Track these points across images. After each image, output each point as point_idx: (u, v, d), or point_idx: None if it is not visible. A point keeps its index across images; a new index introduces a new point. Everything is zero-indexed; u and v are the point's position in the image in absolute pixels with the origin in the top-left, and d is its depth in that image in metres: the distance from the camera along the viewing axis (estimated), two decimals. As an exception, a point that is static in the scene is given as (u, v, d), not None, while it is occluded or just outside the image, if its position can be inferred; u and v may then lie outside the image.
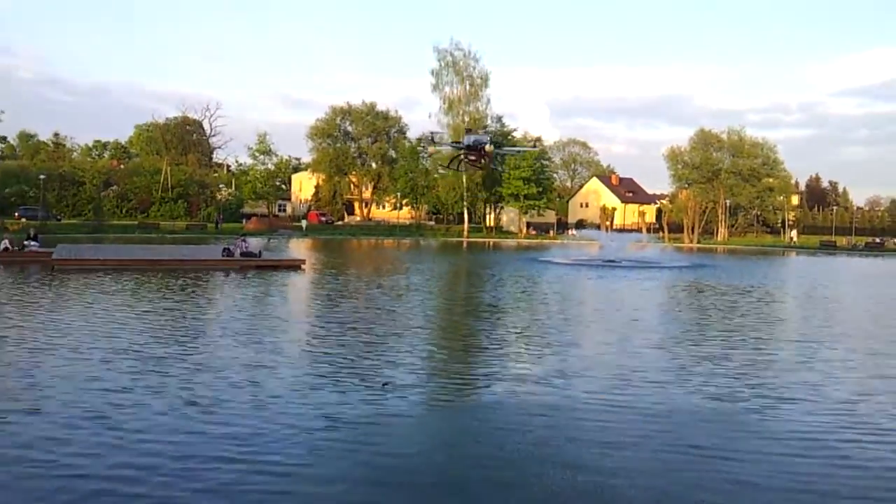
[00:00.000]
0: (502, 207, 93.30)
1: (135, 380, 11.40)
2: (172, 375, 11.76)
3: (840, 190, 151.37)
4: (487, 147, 27.76)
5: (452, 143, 28.40)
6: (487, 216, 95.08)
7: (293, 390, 11.09)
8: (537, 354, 14.80)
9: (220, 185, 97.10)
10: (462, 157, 28.80)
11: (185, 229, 70.98)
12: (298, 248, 52.73)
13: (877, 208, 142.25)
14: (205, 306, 20.52)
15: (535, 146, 28.80)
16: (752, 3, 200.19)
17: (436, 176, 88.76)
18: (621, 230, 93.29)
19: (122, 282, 25.57)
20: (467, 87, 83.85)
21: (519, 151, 29.07)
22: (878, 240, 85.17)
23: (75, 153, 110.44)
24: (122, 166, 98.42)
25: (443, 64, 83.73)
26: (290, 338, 15.82)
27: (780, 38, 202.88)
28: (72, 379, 11.36)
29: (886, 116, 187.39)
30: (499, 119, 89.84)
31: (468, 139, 27.68)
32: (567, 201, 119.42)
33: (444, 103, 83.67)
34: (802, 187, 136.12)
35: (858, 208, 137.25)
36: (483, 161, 28.88)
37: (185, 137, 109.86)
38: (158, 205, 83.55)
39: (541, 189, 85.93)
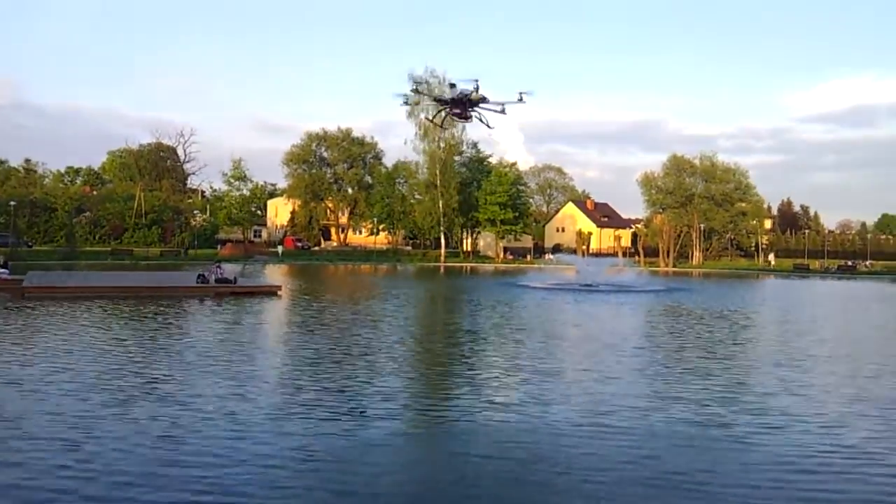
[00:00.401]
0: (479, 232, 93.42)
1: (102, 412, 11.08)
2: (141, 407, 11.45)
3: (812, 214, 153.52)
4: (473, 95, 27.21)
5: (436, 98, 27.77)
6: (464, 241, 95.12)
7: (266, 421, 10.84)
8: (516, 381, 14.65)
9: (195, 211, 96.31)
10: (448, 111, 28.20)
11: (159, 255, 70.27)
12: (274, 274, 52.28)
13: (847, 232, 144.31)
14: (177, 335, 20.15)
15: (521, 100, 28.17)
16: (720, 32, 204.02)
17: (412, 201, 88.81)
18: (598, 254, 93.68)
19: (93, 310, 25.10)
20: (443, 114, 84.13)
21: (503, 105, 28.36)
22: (849, 263, 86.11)
23: (47, 179, 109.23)
24: (94, 192, 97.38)
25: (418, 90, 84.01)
26: (264, 367, 15.55)
27: (749, 66, 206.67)
28: (35, 411, 11.02)
29: (853, 142, 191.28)
30: (474, 145, 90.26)
31: (453, 93, 27.18)
32: (543, 226, 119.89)
33: (420, 129, 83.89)
34: (775, 211, 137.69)
35: (830, 232, 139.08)
36: (468, 113, 28.30)
37: (158, 163, 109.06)
38: (132, 231, 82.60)
39: (517, 214, 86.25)
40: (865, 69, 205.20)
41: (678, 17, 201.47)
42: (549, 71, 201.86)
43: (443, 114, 28.07)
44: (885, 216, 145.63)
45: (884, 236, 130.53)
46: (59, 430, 9.99)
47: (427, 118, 27.01)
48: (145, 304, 27.32)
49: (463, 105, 27.21)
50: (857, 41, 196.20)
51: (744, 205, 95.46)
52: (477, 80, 26.99)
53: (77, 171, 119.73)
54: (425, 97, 26.98)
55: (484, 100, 27.59)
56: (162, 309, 25.98)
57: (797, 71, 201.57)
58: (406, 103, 28.43)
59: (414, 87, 26.67)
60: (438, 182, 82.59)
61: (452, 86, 26.92)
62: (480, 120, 27.80)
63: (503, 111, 27.99)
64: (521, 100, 27.81)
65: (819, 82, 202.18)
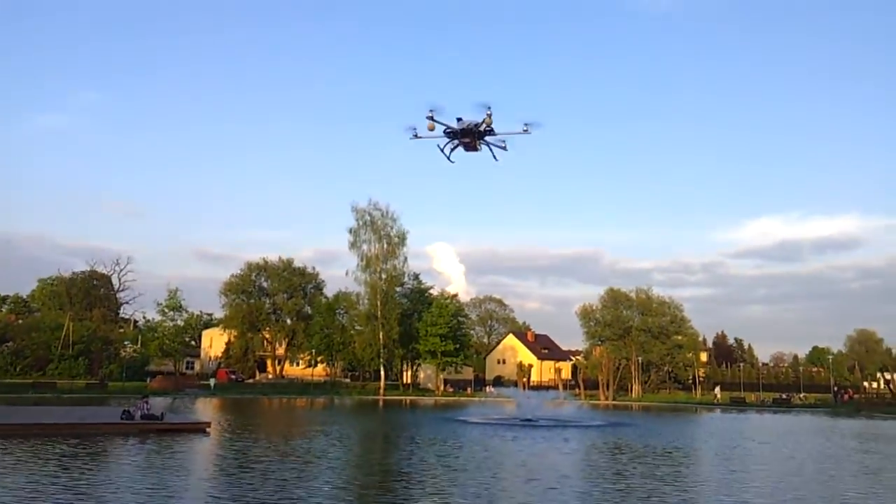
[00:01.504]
0: (419, 364, 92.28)
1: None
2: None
3: (746, 346, 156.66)
4: (485, 122, 26.42)
5: (446, 129, 26.55)
6: (404, 373, 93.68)
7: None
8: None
9: (126, 342, 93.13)
10: (458, 142, 27.24)
11: (83, 388, 67.09)
12: (205, 408, 50.22)
13: (781, 364, 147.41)
14: (88, 479, 18.72)
15: (526, 131, 27.36)
16: (651, 170, 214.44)
17: (352, 332, 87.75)
18: (538, 387, 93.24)
19: (1, 450, 23.35)
20: (385, 246, 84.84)
21: (504, 142, 27.60)
22: (784, 396, 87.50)
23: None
24: (20, 321, 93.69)
25: (360, 223, 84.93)
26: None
27: (680, 204, 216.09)
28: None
29: (781, 277, 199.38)
30: (416, 276, 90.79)
31: (460, 125, 26.45)
32: (484, 358, 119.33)
33: (362, 261, 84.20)
34: (710, 344, 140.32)
35: (764, 364, 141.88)
36: (477, 144, 27.43)
37: (91, 292, 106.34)
38: (57, 362, 79.11)
39: (458, 346, 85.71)
40: (790, 208, 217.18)
41: (610, 155, 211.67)
42: (487, 203, 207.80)
43: (451, 146, 27.07)
44: (815, 349, 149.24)
45: (815, 369, 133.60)
46: None
47: (438, 147, 26.15)
48: (60, 443, 25.60)
49: (473, 135, 26.62)
50: (783, 182, 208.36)
51: (680, 337, 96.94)
52: (489, 108, 26.44)
53: (3, 299, 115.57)
54: (439, 124, 25.96)
55: (492, 131, 27.05)
56: (76, 449, 24.33)
57: (726, 208, 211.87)
58: (416, 136, 27.18)
59: (429, 115, 25.64)
60: (379, 313, 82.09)
61: (459, 119, 26.42)
62: (490, 151, 27.26)
63: (504, 147, 27.52)
64: (526, 131, 27.19)
65: (747, 219, 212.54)
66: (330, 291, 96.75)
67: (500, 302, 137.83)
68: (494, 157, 27.94)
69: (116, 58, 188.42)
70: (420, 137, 26.73)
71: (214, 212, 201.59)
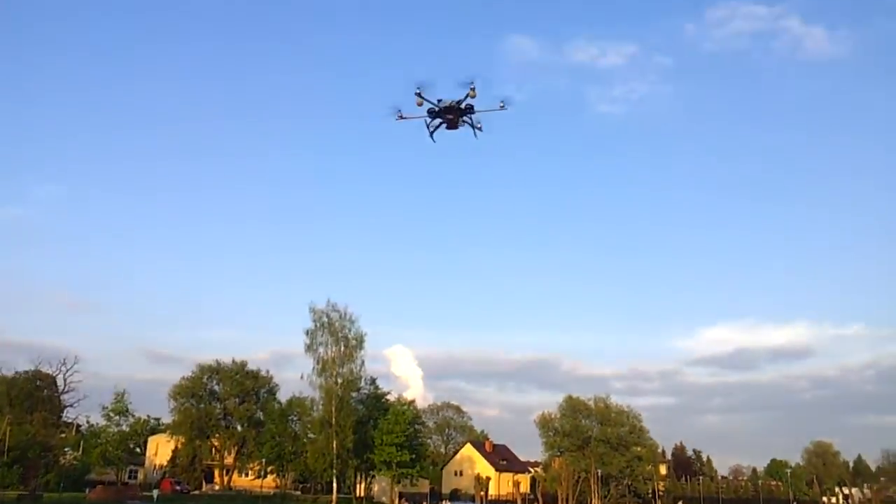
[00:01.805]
0: (374, 476, 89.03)
1: None
2: None
3: (704, 459, 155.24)
4: (471, 92, 26.26)
5: (430, 109, 26.48)
6: (358, 485, 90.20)
7: None
8: None
9: (66, 449, 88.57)
10: (441, 120, 26.96)
11: (14, 500, 63.13)
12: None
13: (739, 477, 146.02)
14: None
15: (503, 107, 27.53)
16: (606, 278, 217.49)
17: (304, 440, 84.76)
18: (496, 501, 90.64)
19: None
20: (342, 349, 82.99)
21: (480, 123, 27.80)
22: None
23: None
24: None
25: (318, 324, 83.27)
26: None
27: (637, 311, 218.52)
28: None
29: (737, 386, 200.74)
30: (373, 381, 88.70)
31: (442, 103, 26.28)
32: (441, 469, 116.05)
33: (318, 364, 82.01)
34: (669, 455, 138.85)
35: (723, 477, 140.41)
36: (458, 121, 27.22)
37: (34, 393, 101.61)
38: (-10, 471, 74.64)
39: (414, 456, 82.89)
40: (743, 316, 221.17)
41: (567, 260, 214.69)
42: (446, 306, 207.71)
43: (434, 125, 27.13)
44: (773, 461, 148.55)
45: (774, 482, 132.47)
46: None
47: (426, 123, 26.67)
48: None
49: (455, 112, 26.85)
50: (736, 290, 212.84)
51: (639, 449, 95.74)
52: (472, 82, 26.59)
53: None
54: (427, 102, 26.63)
55: (472, 109, 27.32)
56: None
57: (682, 315, 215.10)
58: (400, 117, 27.26)
59: (417, 91, 26.14)
60: (334, 420, 79.42)
61: (440, 101, 26.61)
62: (472, 128, 27.19)
63: (480, 128, 27.62)
64: (502, 107, 27.49)
65: (702, 327, 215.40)
66: (284, 395, 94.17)
67: (457, 409, 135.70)
68: (475, 134, 28.62)
69: (71, 152, 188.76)
70: (404, 118, 27.39)
71: (167, 310, 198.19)
